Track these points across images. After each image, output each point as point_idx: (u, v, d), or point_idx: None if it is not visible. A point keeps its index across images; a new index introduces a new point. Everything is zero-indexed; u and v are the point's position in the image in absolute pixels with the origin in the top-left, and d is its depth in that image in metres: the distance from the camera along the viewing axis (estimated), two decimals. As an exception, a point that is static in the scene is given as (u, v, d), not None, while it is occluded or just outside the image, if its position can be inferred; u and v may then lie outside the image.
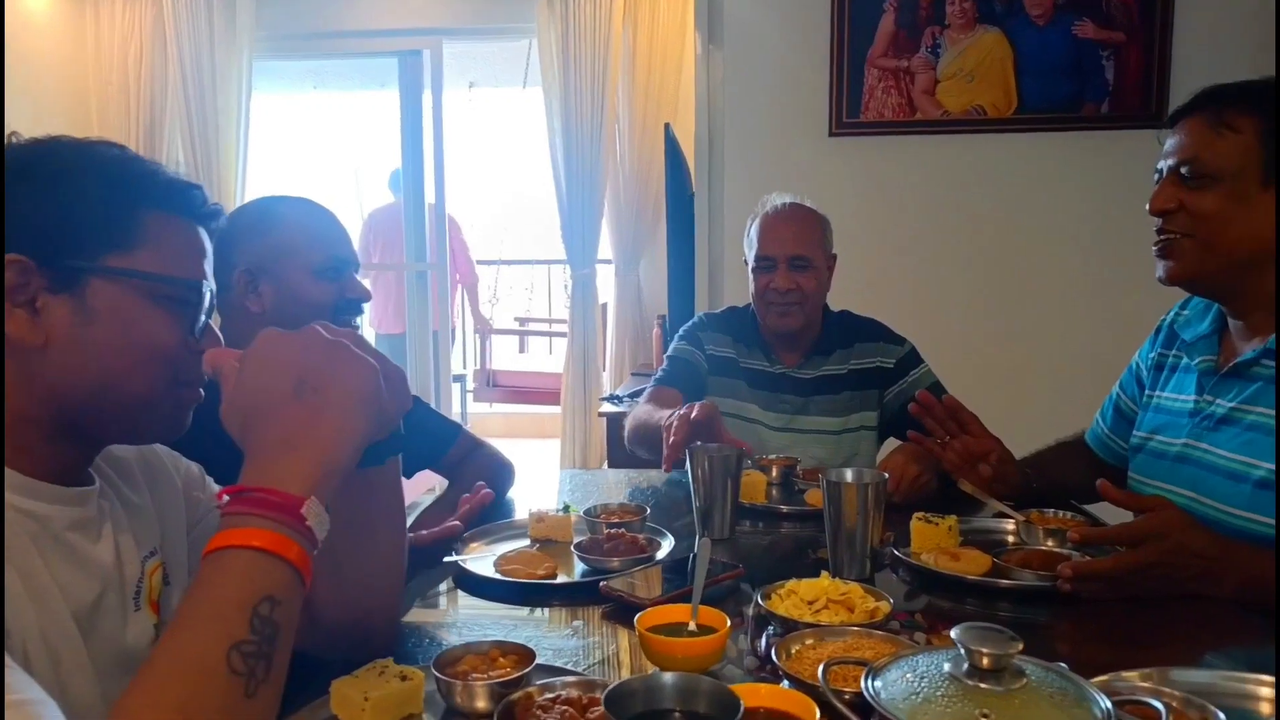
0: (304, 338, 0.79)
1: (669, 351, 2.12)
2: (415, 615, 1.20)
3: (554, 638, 1.12)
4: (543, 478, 2.14)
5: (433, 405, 2.60)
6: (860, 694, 0.74)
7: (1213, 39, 2.77)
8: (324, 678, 0.93)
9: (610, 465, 3.40)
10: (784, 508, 1.63)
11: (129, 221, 0.86)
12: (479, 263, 7.35)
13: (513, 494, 1.78)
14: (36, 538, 0.83)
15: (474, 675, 0.93)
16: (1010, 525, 1.44)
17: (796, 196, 2.05)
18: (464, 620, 1.21)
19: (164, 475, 1.02)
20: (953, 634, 0.73)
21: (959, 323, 2.94)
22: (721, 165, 3.05)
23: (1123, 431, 1.60)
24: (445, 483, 1.75)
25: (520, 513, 1.60)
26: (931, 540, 1.33)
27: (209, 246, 0.95)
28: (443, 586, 1.31)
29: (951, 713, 0.68)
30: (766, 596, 1.11)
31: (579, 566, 1.34)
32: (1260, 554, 1.19)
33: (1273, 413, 1.27)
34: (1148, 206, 1.35)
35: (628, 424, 1.96)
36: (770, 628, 1.07)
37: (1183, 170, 1.31)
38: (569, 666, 1.01)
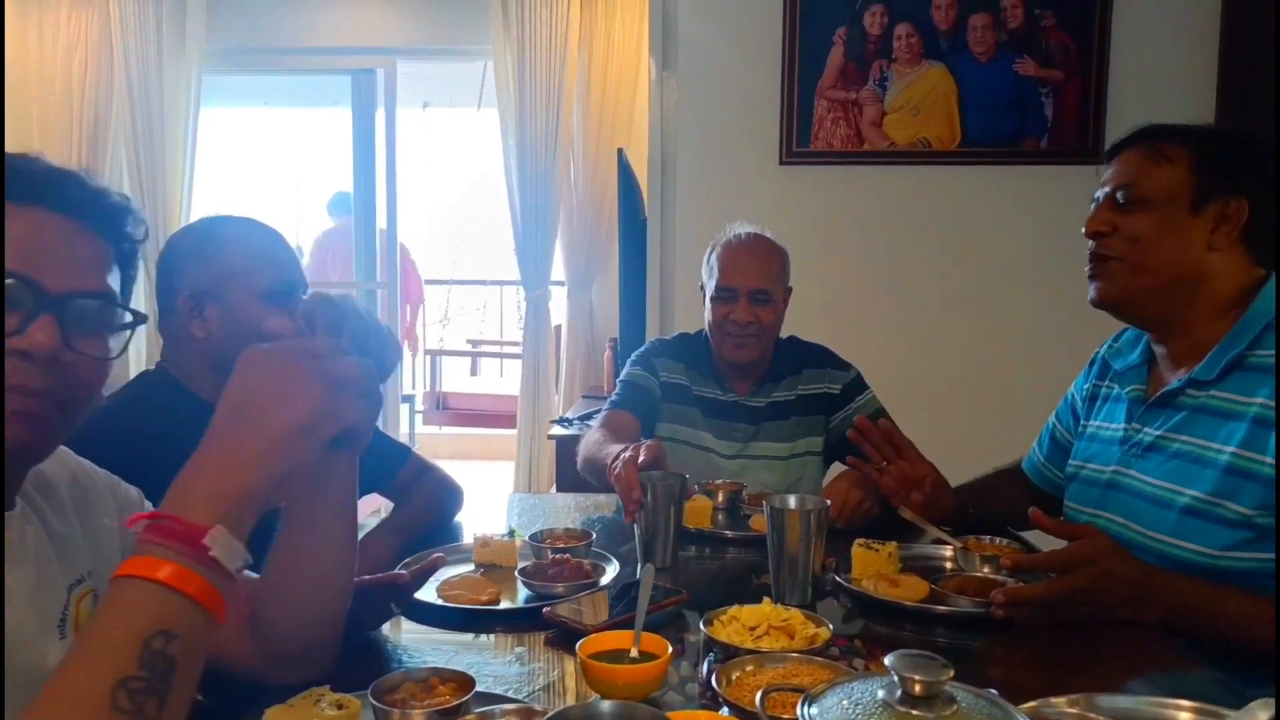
0: (256, 361, 0.77)
1: (622, 376, 2.12)
2: (354, 642, 1.19)
3: (496, 664, 1.12)
4: (491, 501, 2.13)
5: (380, 427, 2.57)
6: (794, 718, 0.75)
7: (1147, 80, 2.88)
8: (257, 706, 0.91)
9: (559, 489, 3.39)
10: (729, 533, 1.64)
11: None
12: (429, 282, 7.31)
13: (460, 517, 1.77)
14: None
15: (412, 703, 0.92)
16: (948, 552, 1.47)
17: (758, 227, 2.06)
18: (405, 645, 1.20)
19: (98, 501, 1.00)
20: (886, 661, 0.74)
21: (902, 350, 3.00)
22: (674, 190, 3.08)
23: (1058, 460, 1.65)
24: (390, 505, 1.73)
25: (467, 537, 1.58)
26: (872, 566, 1.35)
27: (67, 238, 0.85)
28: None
29: (883, 739, 0.69)
30: (709, 622, 1.12)
31: (523, 592, 1.33)
32: (1183, 581, 1.23)
33: (1198, 441, 1.32)
34: (1084, 228, 1.41)
35: (580, 450, 1.95)
36: (712, 654, 1.08)
37: (1118, 195, 1.38)
38: (510, 694, 1.00)
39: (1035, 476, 1.71)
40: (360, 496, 1.66)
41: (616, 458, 1.49)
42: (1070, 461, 1.57)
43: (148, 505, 1.05)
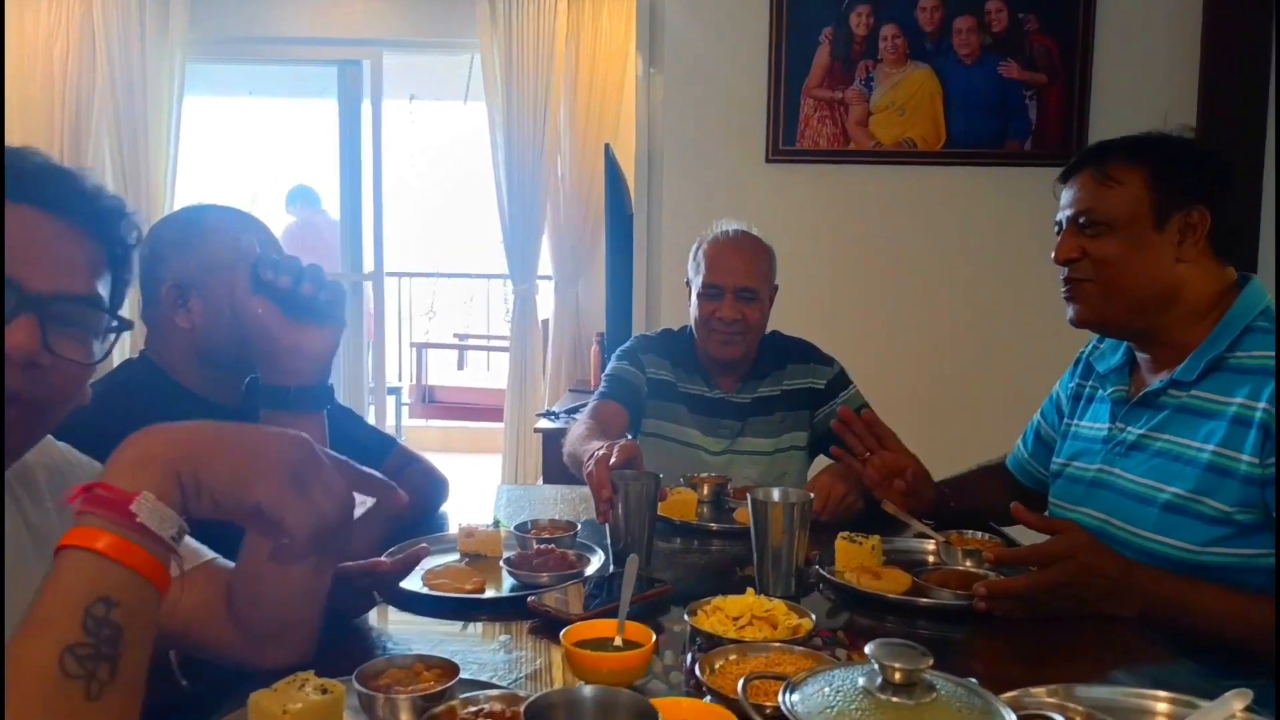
0: (301, 448, 0.76)
1: (608, 370, 2.12)
2: (338, 628, 1.19)
3: (480, 652, 1.12)
4: (477, 493, 2.13)
5: (367, 419, 2.56)
6: (779, 708, 0.76)
7: (1129, 83, 2.91)
8: (243, 690, 0.91)
9: (546, 481, 3.39)
10: (713, 525, 1.65)
11: None
12: (418, 275, 7.28)
13: (446, 508, 1.77)
14: None
15: (396, 689, 0.92)
16: (931, 545, 1.48)
17: (745, 224, 2.07)
18: (389, 634, 1.20)
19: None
20: (867, 649, 0.75)
21: (887, 347, 3.02)
22: (660, 186, 3.09)
23: (1042, 457, 1.67)
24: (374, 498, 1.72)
25: (452, 528, 1.58)
26: (855, 559, 1.36)
27: (57, 239, 0.84)
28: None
29: (865, 725, 0.70)
30: (693, 612, 1.13)
31: (508, 581, 1.34)
32: (1161, 575, 1.25)
33: (1179, 439, 1.34)
34: (1053, 256, 1.42)
35: (566, 442, 1.94)
36: (696, 643, 1.09)
37: (1080, 220, 1.39)
38: (495, 681, 1.01)
39: (1019, 473, 1.72)
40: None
41: (591, 456, 1.47)
42: (1055, 459, 1.59)
43: None
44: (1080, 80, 2.93)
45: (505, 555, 1.40)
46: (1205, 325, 1.36)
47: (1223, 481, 1.26)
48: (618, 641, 1.02)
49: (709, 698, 0.92)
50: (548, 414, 3.66)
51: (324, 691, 0.90)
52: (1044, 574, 1.22)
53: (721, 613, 1.12)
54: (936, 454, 1.70)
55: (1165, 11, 2.90)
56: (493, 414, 5.09)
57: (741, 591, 1.18)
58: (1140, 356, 1.46)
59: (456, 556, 1.44)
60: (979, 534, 1.47)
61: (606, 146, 3.64)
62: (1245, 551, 1.25)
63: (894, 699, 0.72)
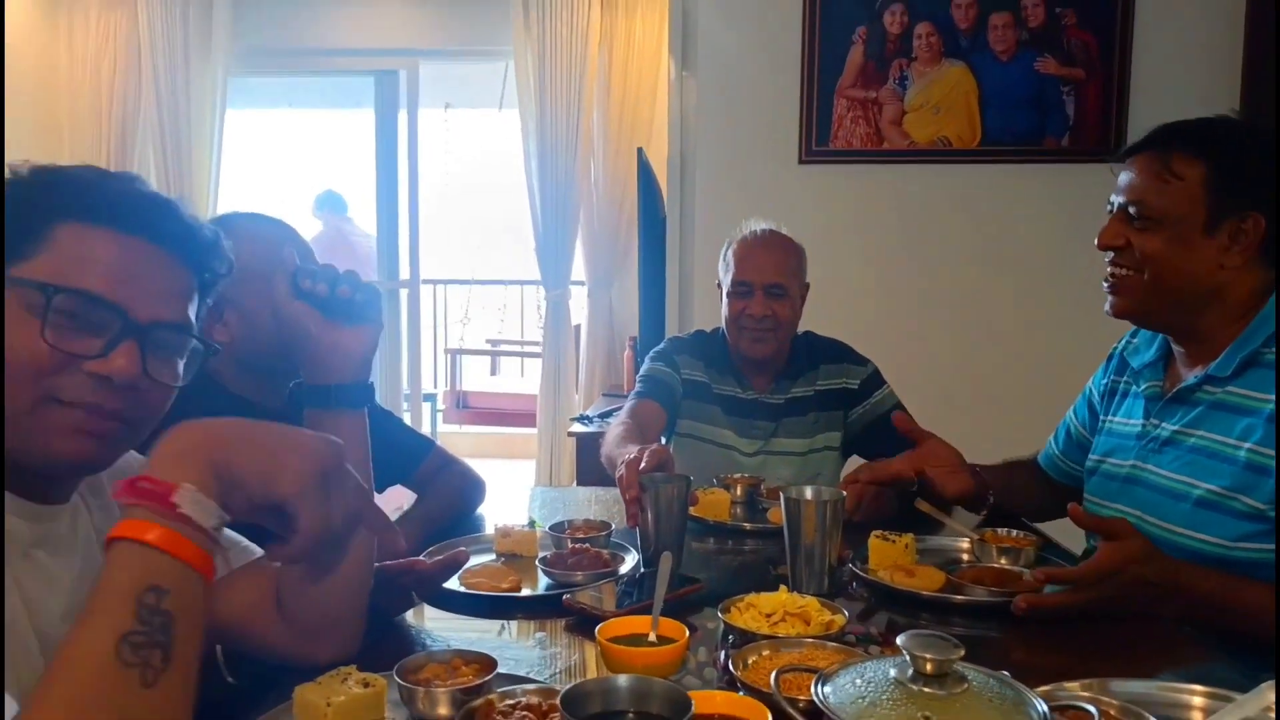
0: (338, 460, 0.78)
1: (643, 371, 2.13)
2: (380, 626, 1.21)
3: (517, 648, 1.14)
4: (512, 497, 2.15)
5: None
6: (812, 701, 0.77)
7: (1170, 77, 2.86)
8: (286, 685, 0.94)
9: (580, 484, 3.41)
10: (747, 525, 1.66)
11: (36, 231, 0.84)
12: (451, 282, 7.34)
13: (482, 510, 1.79)
14: (8, 553, 0.84)
15: (435, 682, 0.95)
16: (965, 544, 1.47)
17: (774, 223, 2.08)
18: (428, 631, 1.23)
19: None
20: (899, 641, 0.75)
21: (922, 346, 3.00)
22: (693, 190, 3.10)
23: (1073, 454, 1.65)
24: (412, 500, 1.75)
25: (489, 529, 1.61)
26: (889, 557, 1.36)
27: (161, 269, 0.89)
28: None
29: (895, 715, 0.70)
30: (726, 610, 1.13)
31: (543, 580, 1.36)
32: (1207, 575, 1.23)
33: (1213, 436, 1.32)
34: (1096, 240, 1.41)
35: (604, 444, 1.93)
36: (729, 639, 1.10)
37: (1130, 209, 1.36)
38: (531, 676, 1.02)
39: (1051, 470, 1.71)
40: (384, 489, 1.70)
41: (622, 460, 1.49)
42: (1090, 456, 1.57)
43: None
44: (1120, 74, 2.90)
45: (540, 555, 1.42)
46: (1243, 323, 1.34)
47: (1259, 479, 1.24)
48: (652, 637, 1.04)
49: (742, 692, 0.93)
50: (581, 418, 3.68)
51: (366, 685, 0.93)
52: (1089, 590, 1.19)
53: (755, 609, 1.13)
54: (973, 456, 1.68)
55: (1206, 1, 2.85)
56: (525, 419, 5.12)
57: (774, 590, 1.19)
58: (1176, 350, 1.44)
59: (493, 556, 1.46)
60: (1014, 531, 1.46)
61: (639, 150, 3.66)
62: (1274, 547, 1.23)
63: (926, 689, 0.73)
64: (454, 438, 6.10)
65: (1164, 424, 1.40)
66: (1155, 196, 1.34)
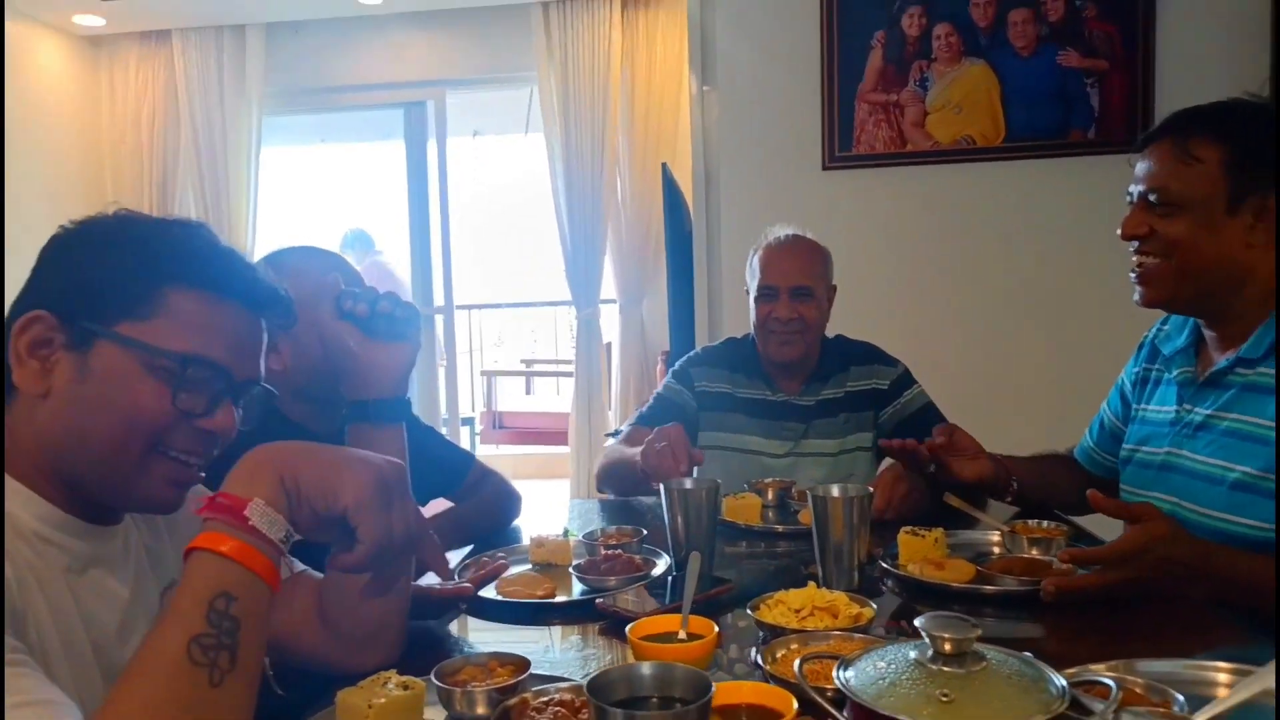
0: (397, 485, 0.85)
1: (657, 391, 2.17)
2: (418, 633, 1.24)
3: (552, 652, 1.17)
4: (550, 513, 2.17)
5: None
6: (836, 688, 0.78)
7: (1195, 61, 2.83)
8: (329, 693, 0.97)
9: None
10: (779, 527, 1.67)
11: (149, 294, 0.90)
12: (485, 307, 7.43)
13: (519, 523, 1.83)
14: (67, 570, 0.89)
15: (472, 684, 0.97)
16: (995, 537, 1.47)
17: (798, 228, 2.10)
18: (466, 639, 1.26)
19: (184, 513, 1.08)
20: (918, 622, 0.77)
21: (952, 346, 2.99)
22: (718, 202, 3.12)
23: (1107, 446, 1.64)
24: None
25: (524, 540, 1.64)
26: (918, 552, 1.36)
27: (251, 330, 0.97)
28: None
29: (915, 694, 0.72)
30: (755, 607, 1.15)
31: (577, 587, 1.38)
32: (1237, 557, 1.22)
33: (1247, 418, 1.31)
34: (1119, 230, 1.41)
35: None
36: (759, 635, 1.11)
37: (1151, 197, 1.36)
38: (566, 676, 1.05)
39: (1087, 462, 1.70)
40: (426, 502, 1.74)
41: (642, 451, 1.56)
42: (1124, 445, 1.56)
43: None
44: (1144, 63, 2.88)
45: (574, 562, 1.45)
46: (1272, 302, 1.33)
47: (1293, 459, 1.23)
48: (682, 634, 1.05)
49: (770, 683, 0.94)
50: (615, 434, 3.70)
51: (405, 688, 0.95)
52: (1116, 571, 1.19)
53: (784, 605, 1.14)
54: (1006, 449, 1.68)
55: (1230, -15, 2.83)
56: (561, 438, 5.16)
57: (805, 587, 1.20)
58: (1208, 334, 1.44)
59: (529, 566, 1.49)
60: (1045, 523, 1.45)
61: (664, 165, 3.70)
62: None
63: (945, 668, 0.74)
64: (492, 459, 6.11)
65: (1197, 409, 1.40)
66: (1176, 181, 1.34)
